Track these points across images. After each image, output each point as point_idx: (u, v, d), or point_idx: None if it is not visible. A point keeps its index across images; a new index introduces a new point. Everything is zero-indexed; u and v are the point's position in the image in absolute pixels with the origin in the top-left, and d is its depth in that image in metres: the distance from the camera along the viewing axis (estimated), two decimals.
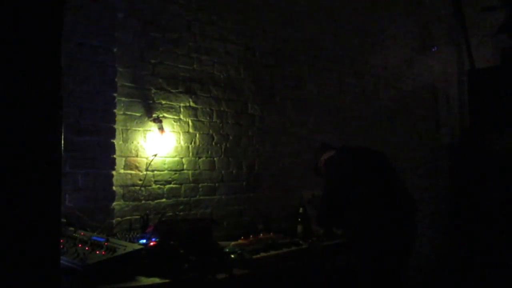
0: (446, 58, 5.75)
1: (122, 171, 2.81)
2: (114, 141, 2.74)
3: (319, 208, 2.97)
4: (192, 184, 3.17)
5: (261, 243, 2.76)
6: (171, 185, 3.06)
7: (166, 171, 3.03)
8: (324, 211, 2.90)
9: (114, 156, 2.74)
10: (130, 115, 2.87)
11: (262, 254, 2.62)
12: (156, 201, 2.98)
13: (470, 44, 5.56)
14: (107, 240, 2.13)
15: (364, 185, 2.76)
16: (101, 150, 2.67)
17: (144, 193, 2.91)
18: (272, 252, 2.68)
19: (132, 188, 2.86)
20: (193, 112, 3.21)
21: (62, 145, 1.31)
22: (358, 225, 2.76)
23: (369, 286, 2.73)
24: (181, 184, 3.11)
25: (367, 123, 4.58)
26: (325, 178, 2.93)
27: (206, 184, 3.26)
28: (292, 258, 2.77)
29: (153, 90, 2.99)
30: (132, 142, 2.87)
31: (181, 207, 3.10)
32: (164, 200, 3.02)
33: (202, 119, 3.26)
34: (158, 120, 2.97)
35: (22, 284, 1.20)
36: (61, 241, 2.05)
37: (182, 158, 3.12)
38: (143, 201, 2.91)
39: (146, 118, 2.95)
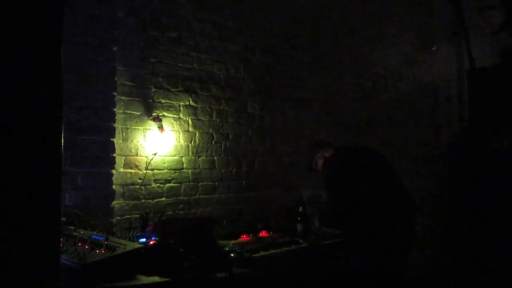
0: (446, 57, 5.74)
1: (122, 170, 2.81)
2: (114, 140, 2.74)
3: (329, 212, 2.97)
4: (191, 183, 3.17)
5: (260, 242, 2.77)
6: (171, 184, 3.06)
7: (166, 170, 3.03)
8: (335, 213, 2.89)
9: (114, 155, 2.74)
10: (130, 114, 2.87)
11: (262, 253, 2.62)
12: (155, 200, 2.98)
13: (470, 44, 5.56)
14: (107, 239, 2.13)
15: (362, 185, 2.76)
16: (101, 149, 2.67)
17: (143, 192, 2.92)
18: (272, 251, 2.68)
19: (132, 187, 2.86)
20: (193, 111, 3.21)
21: (62, 144, 1.31)
22: (357, 225, 2.76)
23: (368, 285, 2.73)
24: (180, 183, 3.11)
25: (367, 123, 4.58)
26: (325, 181, 2.93)
27: (205, 183, 3.26)
28: (292, 257, 2.77)
29: (153, 89, 2.99)
30: (132, 141, 2.87)
31: (181, 206, 3.11)
32: (164, 199, 3.02)
33: (202, 118, 3.26)
34: (157, 119, 2.97)
35: (22, 283, 1.20)
36: (61, 240, 2.05)
37: (182, 157, 3.12)
38: (142, 200, 2.91)
39: (146, 117, 2.95)
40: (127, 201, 2.83)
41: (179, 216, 3.06)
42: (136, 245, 2.14)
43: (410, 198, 2.86)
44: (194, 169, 3.20)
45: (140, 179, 2.90)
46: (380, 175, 2.86)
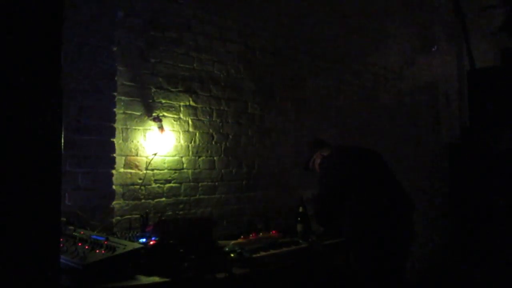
0: (446, 58, 5.75)
1: (122, 170, 2.81)
2: (114, 140, 2.74)
3: (317, 209, 2.98)
4: (192, 183, 3.17)
5: (261, 242, 2.76)
6: (171, 184, 3.06)
7: (166, 170, 3.03)
8: (323, 212, 2.91)
9: (114, 155, 2.74)
10: (130, 114, 2.87)
11: (262, 253, 2.62)
12: (156, 200, 2.98)
13: (470, 44, 5.57)
14: (107, 239, 2.13)
15: (360, 186, 2.76)
16: (101, 149, 2.67)
17: (144, 192, 2.91)
18: (272, 251, 2.68)
19: (132, 187, 2.86)
20: (193, 111, 3.21)
21: (62, 144, 1.31)
22: (355, 225, 2.76)
23: (368, 286, 2.73)
24: (181, 183, 3.11)
25: (367, 123, 4.58)
26: (321, 179, 2.93)
27: (206, 183, 3.26)
28: (292, 257, 2.77)
29: (153, 89, 2.99)
30: (132, 141, 2.87)
31: (181, 206, 3.10)
32: (164, 199, 3.02)
33: (202, 118, 3.26)
34: (158, 119, 2.97)
35: (22, 283, 1.20)
36: (61, 240, 2.05)
37: (182, 157, 3.12)
38: (143, 200, 2.91)
39: (146, 117, 2.95)
40: (127, 201, 2.83)
41: (179, 216, 3.06)
42: (136, 245, 2.14)
43: (409, 198, 2.86)
44: (194, 169, 3.20)
45: (140, 179, 2.89)
46: (378, 175, 2.86)
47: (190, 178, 3.17)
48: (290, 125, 3.88)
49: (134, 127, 2.88)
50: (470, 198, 5.12)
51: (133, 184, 2.86)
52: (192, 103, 3.20)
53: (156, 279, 2.07)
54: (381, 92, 4.86)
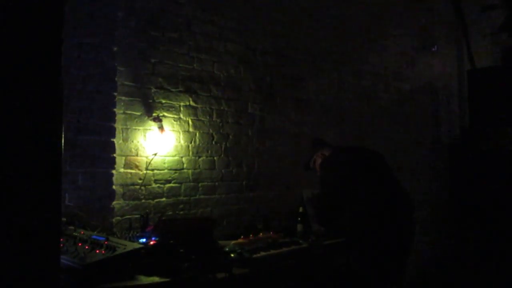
0: (446, 58, 5.74)
1: (122, 170, 2.81)
2: (114, 140, 2.74)
3: (318, 209, 2.99)
4: (192, 183, 3.17)
5: (261, 242, 2.77)
6: (171, 184, 3.06)
7: (166, 170, 3.03)
8: (323, 212, 2.92)
9: (114, 155, 2.74)
10: (130, 114, 2.87)
11: (262, 253, 2.62)
12: (156, 200, 2.98)
13: (470, 44, 5.57)
14: (107, 239, 2.13)
15: (360, 186, 2.77)
16: (101, 149, 2.67)
17: (144, 192, 2.91)
18: (272, 251, 2.68)
19: (132, 187, 2.86)
20: (193, 111, 3.21)
21: (62, 144, 1.31)
22: (355, 225, 2.77)
23: (367, 286, 2.73)
24: (181, 183, 3.11)
25: (367, 123, 4.58)
26: (322, 179, 2.94)
27: (206, 183, 3.26)
28: (292, 257, 2.77)
29: (153, 89, 2.99)
30: (132, 141, 2.87)
31: (181, 206, 3.10)
32: (164, 199, 3.02)
33: (202, 118, 3.26)
34: (158, 119, 2.97)
35: (22, 283, 1.20)
36: (61, 240, 2.05)
37: (182, 157, 3.12)
38: (143, 200, 2.91)
39: (146, 117, 2.95)
40: (127, 201, 2.83)
41: (179, 216, 3.06)
42: (136, 245, 2.14)
43: (409, 198, 2.86)
44: (194, 169, 3.20)
45: (140, 179, 2.89)
46: (379, 175, 2.86)
47: (190, 178, 3.17)
48: (290, 125, 3.87)
49: (134, 127, 2.88)
50: (470, 198, 5.12)
51: (133, 184, 2.86)
52: (192, 103, 3.20)
53: (156, 279, 2.07)
54: (381, 92, 4.85)
